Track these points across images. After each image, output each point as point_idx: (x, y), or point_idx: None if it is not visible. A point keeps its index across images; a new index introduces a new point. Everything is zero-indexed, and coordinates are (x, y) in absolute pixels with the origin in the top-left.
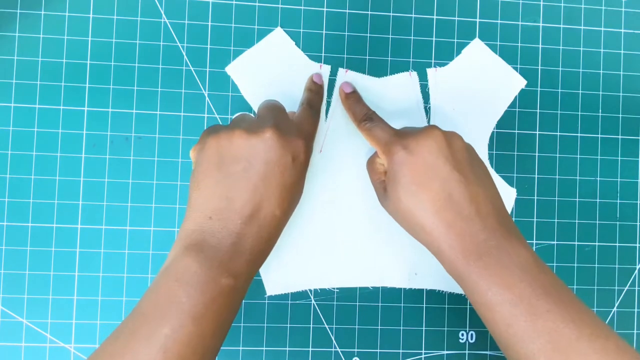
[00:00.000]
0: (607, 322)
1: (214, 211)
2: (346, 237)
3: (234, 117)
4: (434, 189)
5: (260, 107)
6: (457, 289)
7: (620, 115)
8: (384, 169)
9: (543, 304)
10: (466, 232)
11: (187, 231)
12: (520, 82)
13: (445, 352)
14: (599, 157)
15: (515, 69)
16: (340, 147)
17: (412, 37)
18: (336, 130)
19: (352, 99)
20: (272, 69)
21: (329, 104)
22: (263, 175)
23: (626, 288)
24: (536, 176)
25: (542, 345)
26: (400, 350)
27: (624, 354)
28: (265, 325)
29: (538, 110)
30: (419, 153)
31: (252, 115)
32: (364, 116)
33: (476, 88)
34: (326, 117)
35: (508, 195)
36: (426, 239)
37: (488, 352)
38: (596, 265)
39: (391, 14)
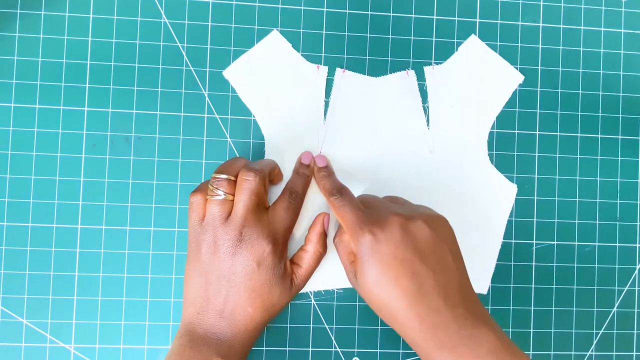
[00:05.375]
0: (607, 322)
1: (199, 308)
2: None
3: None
4: (404, 284)
5: (237, 175)
6: None
7: (620, 115)
8: (352, 249)
9: None
10: (438, 325)
11: (183, 323)
12: (518, 78)
13: None
14: (599, 157)
15: (515, 69)
16: (339, 148)
17: (412, 37)
18: (334, 132)
19: (323, 172)
20: (269, 71)
21: (327, 104)
22: (232, 282)
23: (626, 288)
24: (536, 176)
25: None
26: (400, 350)
27: None
28: None
29: (538, 110)
30: (386, 244)
31: (225, 185)
32: (334, 190)
33: (474, 84)
34: (324, 118)
35: (509, 191)
36: (399, 329)
37: None
38: (596, 265)
39: (391, 14)
